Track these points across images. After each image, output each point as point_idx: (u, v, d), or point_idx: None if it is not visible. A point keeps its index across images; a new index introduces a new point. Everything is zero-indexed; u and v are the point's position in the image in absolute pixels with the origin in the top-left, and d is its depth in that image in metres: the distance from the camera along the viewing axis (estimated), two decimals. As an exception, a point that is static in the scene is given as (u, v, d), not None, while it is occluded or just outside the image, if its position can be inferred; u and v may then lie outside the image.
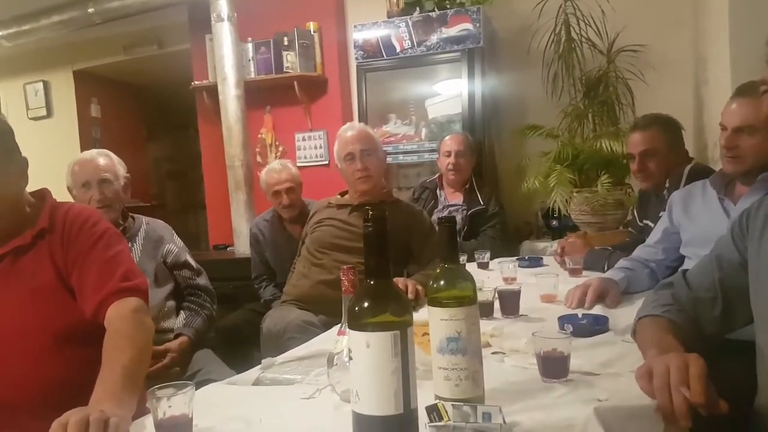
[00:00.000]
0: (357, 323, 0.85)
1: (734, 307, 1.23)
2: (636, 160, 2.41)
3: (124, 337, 1.25)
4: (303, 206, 3.14)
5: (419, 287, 1.99)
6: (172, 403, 0.95)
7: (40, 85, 5.84)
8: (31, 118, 5.87)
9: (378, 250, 0.87)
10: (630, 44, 3.56)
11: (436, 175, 3.60)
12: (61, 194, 1.63)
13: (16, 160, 1.38)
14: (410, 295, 1.95)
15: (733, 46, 2.62)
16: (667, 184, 2.28)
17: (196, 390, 1.00)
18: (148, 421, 1.03)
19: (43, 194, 1.48)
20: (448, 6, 3.87)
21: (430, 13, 3.87)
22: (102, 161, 2.22)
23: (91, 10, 4.58)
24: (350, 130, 2.43)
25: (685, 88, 3.65)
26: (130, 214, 2.28)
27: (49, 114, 5.88)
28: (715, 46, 3.01)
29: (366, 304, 0.85)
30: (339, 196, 2.54)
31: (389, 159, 3.60)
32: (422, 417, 0.88)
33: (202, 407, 1.03)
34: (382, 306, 0.85)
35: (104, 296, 1.33)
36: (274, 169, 3.17)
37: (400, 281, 2.07)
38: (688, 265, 1.81)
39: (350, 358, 0.86)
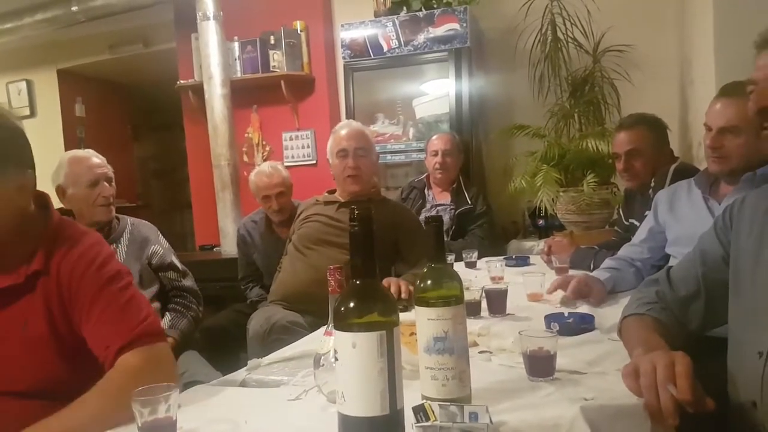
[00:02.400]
0: (343, 323, 0.84)
1: (717, 303, 1.24)
2: (621, 159, 2.42)
3: (110, 387, 1.12)
4: (293, 208, 3.11)
5: (411, 288, 1.97)
6: (156, 405, 0.93)
7: (23, 84, 5.76)
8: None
9: (364, 250, 0.87)
10: (616, 44, 3.58)
11: (424, 175, 3.60)
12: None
13: (10, 173, 1.22)
14: (404, 296, 1.92)
15: (718, 46, 2.64)
16: (652, 184, 2.29)
17: (181, 392, 0.99)
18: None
19: (45, 205, 1.33)
20: (435, 6, 3.87)
21: (417, 13, 3.87)
22: (99, 160, 2.25)
23: (75, 8, 4.53)
24: (346, 127, 2.43)
25: (671, 88, 3.68)
26: (115, 214, 2.26)
27: (33, 113, 5.80)
28: (700, 46, 3.03)
29: (352, 305, 0.84)
30: (327, 194, 2.52)
31: (376, 159, 3.61)
32: (409, 417, 0.87)
33: (187, 409, 1.03)
34: (368, 306, 0.84)
35: (122, 345, 1.18)
36: (264, 173, 3.10)
37: (392, 282, 2.02)
38: (673, 264, 1.82)
39: (336, 359, 0.86)
